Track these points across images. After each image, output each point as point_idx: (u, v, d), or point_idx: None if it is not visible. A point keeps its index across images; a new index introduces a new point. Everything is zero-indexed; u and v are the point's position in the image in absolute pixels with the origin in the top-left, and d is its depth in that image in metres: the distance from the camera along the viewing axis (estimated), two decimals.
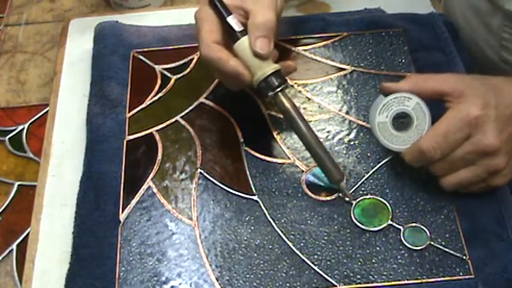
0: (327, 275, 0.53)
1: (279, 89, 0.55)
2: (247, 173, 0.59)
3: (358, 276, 0.53)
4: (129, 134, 0.62)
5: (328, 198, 0.57)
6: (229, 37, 0.56)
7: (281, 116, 0.62)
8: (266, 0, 0.55)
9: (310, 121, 0.62)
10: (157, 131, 0.62)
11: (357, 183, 0.58)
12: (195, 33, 0.57)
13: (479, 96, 0.51)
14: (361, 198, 0.57)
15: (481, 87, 0.52)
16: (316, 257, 0.54)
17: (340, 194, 0.57)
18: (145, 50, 0.69)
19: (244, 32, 0.55)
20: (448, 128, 0.51)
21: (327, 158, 0.55)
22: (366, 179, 0.58)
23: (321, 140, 0.60)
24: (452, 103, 0.52)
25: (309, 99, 0.64)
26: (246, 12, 0.55)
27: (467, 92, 0.52)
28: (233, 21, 0.55)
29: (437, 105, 0.54)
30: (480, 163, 0.52)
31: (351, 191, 0.57)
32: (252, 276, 0.53)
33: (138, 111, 0.64)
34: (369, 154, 0.60)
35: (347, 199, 0.56)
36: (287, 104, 0.55)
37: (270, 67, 0.54)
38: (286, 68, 0.58)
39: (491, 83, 0.53)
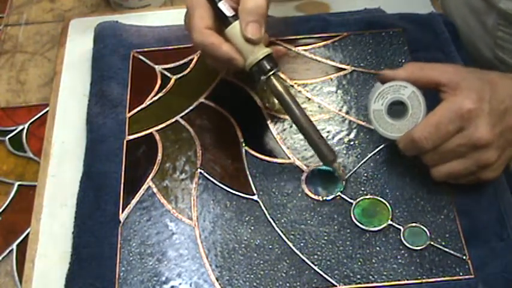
0: (327, 275, 0.53)
1: (271, 73, 0.55)
2: (247, 173, 0.59)
3: (358, 276, 0.53)
4: (129, 134, 0.62)
5: (328, 198, 0.57)
6: (220, 23, 0.56)
7: (281, 116, 0.62)
8: None
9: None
10: (157, 131, 0.62)
11: (356, 183, 0.58)
12: (187, 20, 0.57)
13: (474, 89, 0.51)
14: (361, 198, 0.57)
15: (477, 81, 0.52)
16: (316, 257, 0.54)
17: (341, 194, 0.57)
18: (145, 50, 0.69)
19: (236, 17, 0.55)
20: (441, 120, 0.51)
21: (319, 139, 0.55)
22: (364, 177, 0.58)
23: None
24: (447, 94, 0.52)
25: (309, 99, 0.64)
26: None
27: (462, 85, 0.52)
28: (224, 6, 0.55)
29: (434, 94, 0.54)
30: (471, 156, 0.52)
31: (349, 189, 0.57)
32: (252, 276, 0.53)
33: (138, 111, 0.64)
34: (369, 154, 0.60)
35: (340, 178, 0.57)
36: (280, 88, 0.56)
37: (261, 51, 0.55)
38: (276, 52, 0.58)
39: (487, 78, 0.53)
